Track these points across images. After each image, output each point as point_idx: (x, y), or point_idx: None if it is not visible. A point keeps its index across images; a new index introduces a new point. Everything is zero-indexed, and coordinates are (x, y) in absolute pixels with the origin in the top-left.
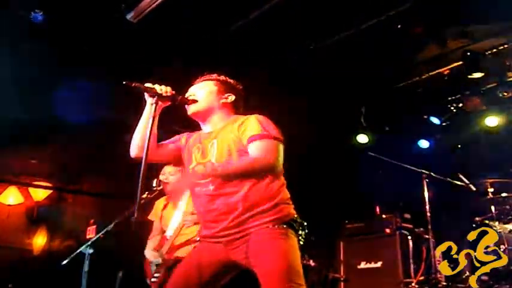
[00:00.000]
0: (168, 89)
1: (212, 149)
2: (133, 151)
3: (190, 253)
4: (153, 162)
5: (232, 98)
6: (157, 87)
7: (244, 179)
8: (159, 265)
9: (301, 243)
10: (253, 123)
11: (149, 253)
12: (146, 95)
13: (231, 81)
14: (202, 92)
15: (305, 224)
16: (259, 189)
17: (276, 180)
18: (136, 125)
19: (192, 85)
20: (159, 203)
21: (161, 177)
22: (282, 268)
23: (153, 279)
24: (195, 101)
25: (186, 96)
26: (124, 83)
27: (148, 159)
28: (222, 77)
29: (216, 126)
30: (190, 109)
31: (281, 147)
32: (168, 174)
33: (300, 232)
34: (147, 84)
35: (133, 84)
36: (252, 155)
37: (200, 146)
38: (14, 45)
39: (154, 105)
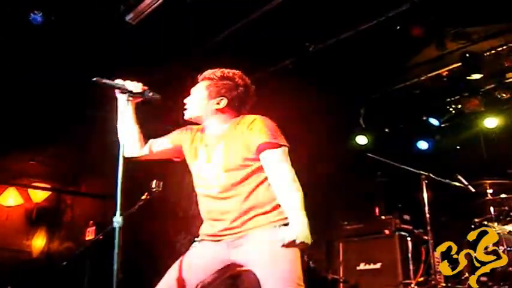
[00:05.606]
0: (139, 85)
1: (218, 153)
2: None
3: (192, 250)
4: (151, 160)
5: (224, 102)
6: (128, 83)
7: (246, 183)
8: None
9: None
10: (259, 127)
11: None
12: (117, 92)
13: (228, 80)
14: (194, 99)
15: None
16: (261, 192)
17: None
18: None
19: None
20: None
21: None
22: (283, 269)
23: None
24: (186, 109)
25: (184, 98)
26: (94, 80)
27: (145, 158)
28: (219, 74)
29: (220, 128)
30: (185, 116)
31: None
32: None
33: None
34: (117, 81)
35: (102, 81)
36: (273, 168)
37: (205, 148)
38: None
39: (127, 101)
